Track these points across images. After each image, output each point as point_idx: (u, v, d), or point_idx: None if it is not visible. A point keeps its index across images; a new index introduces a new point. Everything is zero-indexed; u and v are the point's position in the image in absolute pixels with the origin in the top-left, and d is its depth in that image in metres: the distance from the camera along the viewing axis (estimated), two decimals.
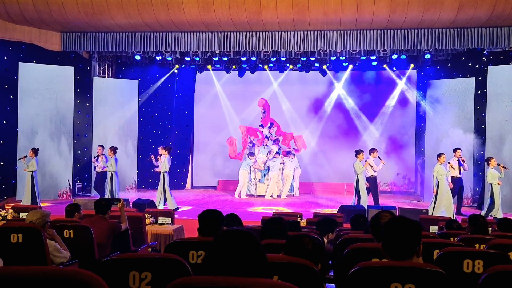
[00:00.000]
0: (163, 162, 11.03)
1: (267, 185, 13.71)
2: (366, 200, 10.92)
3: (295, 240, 2.75)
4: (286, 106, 15.59)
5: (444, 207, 10.17)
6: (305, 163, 15.14)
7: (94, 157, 12.34)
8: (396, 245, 2.41)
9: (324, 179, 15.32)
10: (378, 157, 11.55)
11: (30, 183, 10.89)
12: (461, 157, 10.97)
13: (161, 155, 11.18)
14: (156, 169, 11.28)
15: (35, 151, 11.06)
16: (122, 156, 13.31)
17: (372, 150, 11.59)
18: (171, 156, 11.44)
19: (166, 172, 11.06)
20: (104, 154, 11.91)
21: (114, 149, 11.50)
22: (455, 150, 11.06)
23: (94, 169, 12.49)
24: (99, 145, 12.34)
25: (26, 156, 11.07)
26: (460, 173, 10.96)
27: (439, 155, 10.58)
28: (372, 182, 11.29)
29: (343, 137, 15.40)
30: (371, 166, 11.19)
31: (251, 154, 13.85)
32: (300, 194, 14.32)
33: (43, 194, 12.64)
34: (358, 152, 11.21)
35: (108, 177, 11.36)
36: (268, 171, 13.68)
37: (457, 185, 10.87)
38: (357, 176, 11.04)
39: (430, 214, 9.54)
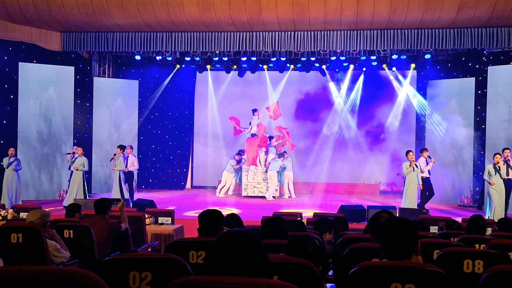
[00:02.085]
0: (118, 161, 11.36)
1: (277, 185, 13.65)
2: (412, 202, 10.33)
3: (296, 242, 2.75)
4: (286, 106, 15.57)
5: (500, 207, 9.59)
6: (305, 163, 15.14)
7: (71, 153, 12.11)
8: (394, 245, 2.41)
9: (324, 179, 15.31)
10: (429, 156, 11.04)
11: (16, 182, 10.98)
12: (507, 157, 9.93)
13: (115, 154, 11.51)
14: (113, 168, 11.52)
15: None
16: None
17: (422, 150, 11.15)
18: (125, 156, 11.80)
19: (121, 171, 11.39)
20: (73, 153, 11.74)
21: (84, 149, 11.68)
22: (503, 150, 10.11)
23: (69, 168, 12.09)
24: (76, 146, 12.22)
25: (10, 156, 11.04)
26: (508, 174, 9.92)
27: (494, 155, 9.97)
28: (424, 184, 10.72)
29: (343, 137, 15.40)
30: (416, 167, 10.56)
31: (282, 155, 13.53)
32: (300, 194, 14.29)
33: (43, 195, 12.69)
34: (407, 152, 10.78)
35: (80, 177, 11.24)
36: (284, 171, 13.64)
37: (507, 188, 9.89)
38: (405, 177, 10.58)
39: (487, 217, 8.98)
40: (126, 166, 11.63)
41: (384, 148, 15.19)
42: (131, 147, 12.21)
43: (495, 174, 9.77)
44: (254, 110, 14.23)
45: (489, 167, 9.96)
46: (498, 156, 9.91)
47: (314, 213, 8.63)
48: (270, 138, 13.98)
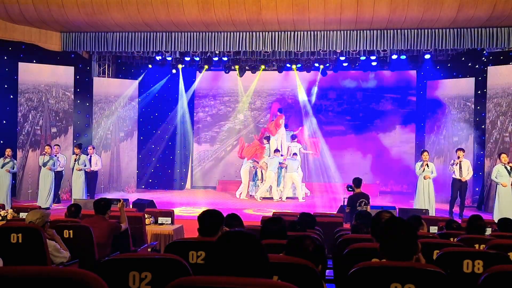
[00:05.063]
0: (81, 161, 11.64)
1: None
2: (420, 204, 10.05)
3: (296, 241, 2.75)
4: (285, 106, 15.57)
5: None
6: (305, 164, 15.13)
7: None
8: (393, 246, 2.41)
9: (324, 179, 15.30)
10: (458, 157, 10.69)
11: (7, 183, 11.00)
12: None
13: (76, 154, 11.69)
14: (78, 168, 11.60)
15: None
16: (122, 156, 13.34)
17: (458, 150, 10.81)
18: (89, 156, 12.08)
19: (84, 170, 11.68)
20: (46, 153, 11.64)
21: (53, 148, 11.80)
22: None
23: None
24: (56, 145, 12.24)
25: (5, 157, 11.01)
26: None
27: (500, 155, 9.78)
28: (454, 186, 10.40)
29: (343, 137, 15.41)
30: (428, 167, 10.19)
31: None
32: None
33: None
34: (422, 152, 10.63)
35: (53, 176, 11.39)
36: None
37: None
38: (418, 178, 10.37)
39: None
40: (90, 166, 11.88)
41: (384, 148, 15.18)
42: (93, 147, 12.48)
43: (510, 175, 9.45)
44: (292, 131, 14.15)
45: (498, 167, 9.72)
46: (504, 155, 9.69)
47: (314, 213, 8.61)
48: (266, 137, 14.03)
